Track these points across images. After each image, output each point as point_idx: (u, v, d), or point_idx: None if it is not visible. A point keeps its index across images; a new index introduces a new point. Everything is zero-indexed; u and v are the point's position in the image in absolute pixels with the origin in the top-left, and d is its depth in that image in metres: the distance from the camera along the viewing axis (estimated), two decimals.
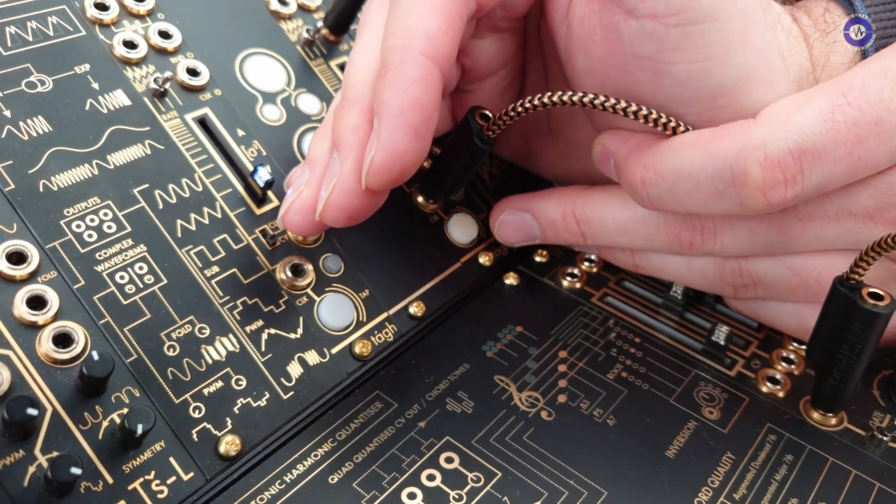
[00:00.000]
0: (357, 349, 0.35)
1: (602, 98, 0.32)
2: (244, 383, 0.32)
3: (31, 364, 0.28)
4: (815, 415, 0.34)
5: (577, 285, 0.41)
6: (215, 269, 0.33)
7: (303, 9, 0.43)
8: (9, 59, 0.33)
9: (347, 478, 0.30)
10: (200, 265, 0.33)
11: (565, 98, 0.33)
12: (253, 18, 0.41)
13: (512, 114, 0.34)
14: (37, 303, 0.29)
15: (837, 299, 0.31)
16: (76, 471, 0.25)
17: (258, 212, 0.36)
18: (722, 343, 0.36)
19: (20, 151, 0.31)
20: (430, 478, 0.30)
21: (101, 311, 0.30)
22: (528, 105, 0.33)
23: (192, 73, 0.37)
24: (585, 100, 0.32)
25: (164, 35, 0.37)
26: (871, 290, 0.30)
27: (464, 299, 0.40)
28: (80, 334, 0.29)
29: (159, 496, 0.28)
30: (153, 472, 0.29)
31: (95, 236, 0.31)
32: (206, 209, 0.34)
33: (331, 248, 0.37)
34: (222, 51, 0.39)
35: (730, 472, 0.31)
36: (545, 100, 0.33)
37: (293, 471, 0.30)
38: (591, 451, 0.32)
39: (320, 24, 0.42)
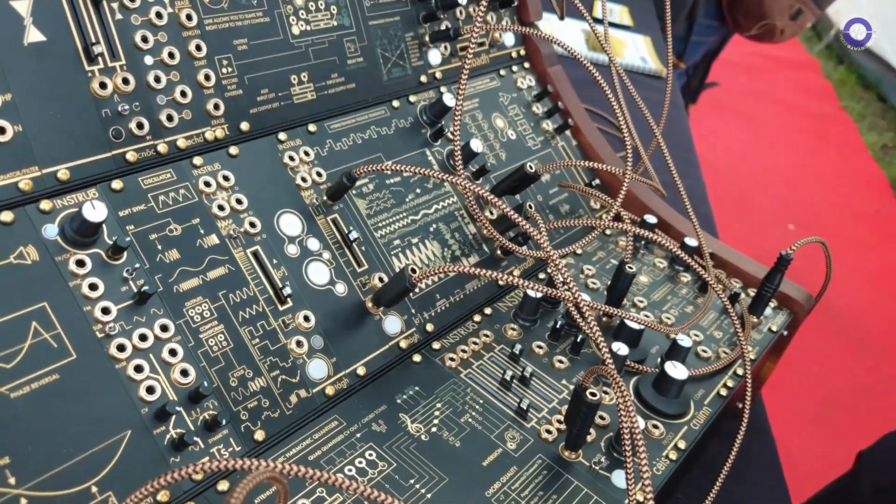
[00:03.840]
0: (327, 391, 0.64)
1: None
2: (268, 403, 0.60)
3: (170, 387, 0.56)
4: (566, 453, 0.65)
5: (454, 365, 0.71)
6: (270, 361, 0.62)
7: (315, 183, 0.72)
8: (158, 215, 0.61)
9: (318, 459, 0.59)
10: (256, 340, 0.62)
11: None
12: (286, 189, 0.70)
13: (436, 272, 0.64)
14: (170, 354, 0.57)
15: (576, 395, 0.62)
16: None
17: (281, 308, 0.65)
18: (525, 409, 0.67)
19: (164, 267, 0.60)
20: (360, 463, 0.59)
21: (202, 359, 0.58)
22: (448, 270, 0.64)
23: (252, 224, 0.66)
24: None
25: (238, 201, 0.66)
26: (590, 390, 0.61)
27: (389, 366, 0.69)
28: (192, 371, 0.57)
29: (226, 451, 0.56)
30: (230, 441, 0.57)
31: (199, 319, 0.60)
32: (253, 305, 0.63)
33: (316, 332, 0.66)
34: (268, 210, 0.68)
35: (513, 478, 0.61)
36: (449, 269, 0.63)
37: (299, 445, 0.59)
38: (444, 457, 0.62)
39: (325, 196, 0.71)
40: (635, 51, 1.84)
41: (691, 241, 0.89)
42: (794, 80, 4.94)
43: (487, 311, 0.78)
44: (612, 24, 1.94)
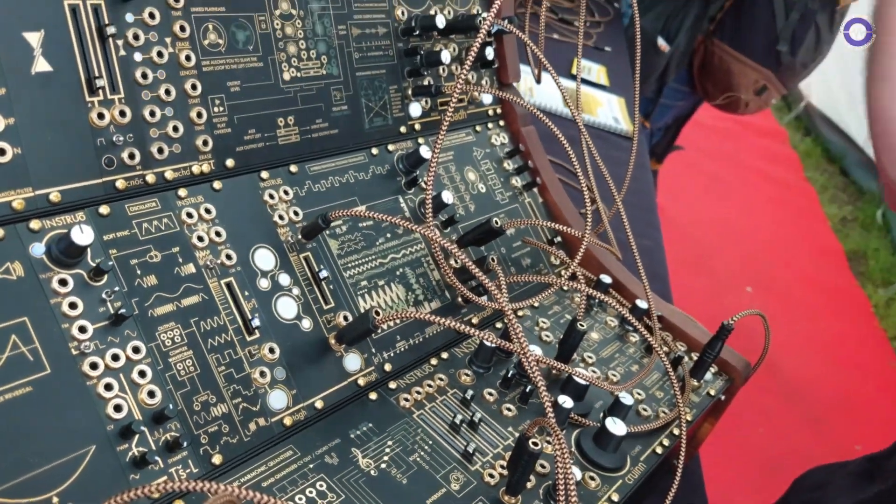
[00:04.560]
0: (285, 422, 0.67)
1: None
2: (227, 428, 0.64)
3: (136, 406, 0.59)
4: (506, 497, 0.69)
5: (408, 405, 0.74)
6: (233, 388, 0.65)
7: (291, 221, 0.76)
8: (140, 242, 0.64)
9: (271, 486, 0.62)
10: (222, 368, 0.65)
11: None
12: (263, 225, 0.73)
13: (398, 316, 0.68)
14: (139, 375, 0.60)
15: (519, 443, 0.66)
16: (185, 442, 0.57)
17: (248, 338, 0.68)
18: (471, 452, 0.70)
19: (141, 291, 0.63)
20: (311, 493, 0.63)
21: (169, 382, 0.61)
22: (410, 315, 0.67)
23: (228, 257, 0.69)
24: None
25: (217, 234, 0.69)
26: (533, 440, 0.65)
27: (346, 402, 0.73)
28: (158, 393, 0.60)
29: (184, 472, 0.59)
30: (188, 462, 0.60)
31: (170, 344, 0.63)
32: (222, 334, 0.66)
33: (279, 363, 0.69)
34: (245, 245, 0.71)
35: None
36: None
37: (254, 472, 0.62)
38: (391, 493, 0.65)
39: (299, 234, 0.75)
40: (609, 110, 1.92)
41: (642, 304, 0.94)
42: (762, 148, 5.11)
43: (444, 355, 0.82)
44: (589, 83, 2.02)
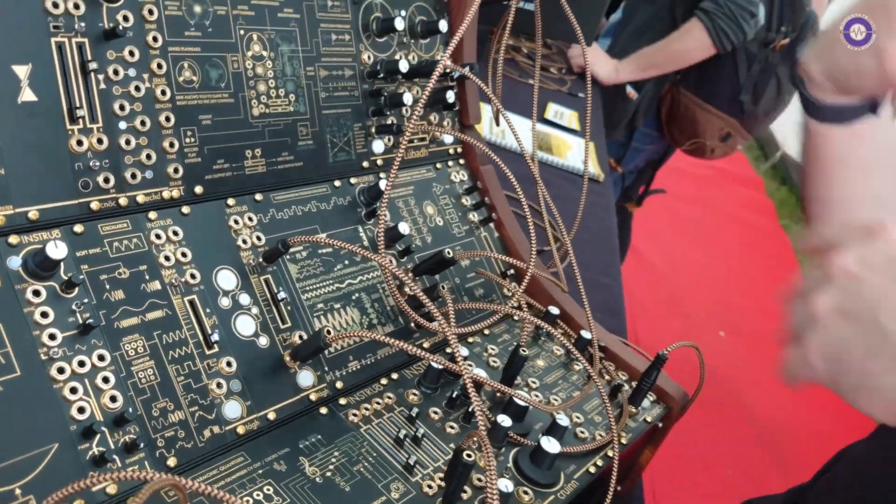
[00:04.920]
0: (238, 431, 0.72)
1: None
2: (183, 434, 0.69)
3: (98, 409, 0.64)
4: None
5: (356, 420, 0.80)
6: (191, 397, 0.71)
7: (254, 246, 0.82)
8: (110, 259, 0.70)
9: (220, 488, 0.67)
10: (181, 378, 0.70)
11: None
12: (227, 248, 0.79)
13: (350, 335, 0.74)
14: (103, 381, 0.65)
15: (455, 455, 0.71)
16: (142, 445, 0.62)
17: (207, 352, 0.73)
18: (412, 464, 0.76)
19: (109, 304, 0.68)
20: (258, 496, 0.68)
21: (130, 388, 0.67)
22: (361, 335, 0.73)
23: (192, 276, 0.75)
24: None
25: (183, 255, 0.75)
26: (467, 452, 0.70)
27: (297, 415, 0.78)
28: (120, 398, 0.65)
29: (140, 473, 0.64)
30: (145, 464, 0.65)
31: (133, 354, 0.68)
32: (183, 347, 0.72)
33: (236, 376, 0.75)
34: (208, 265, 0.77)
35: None
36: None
37: (206, 475, 0.67)
38: (333, 499, 0.70)
39: (261, 258, 0.81)
40: (579, 154, 2.00)
41: (587, 334, 1.00)
42: (739, 195, 5.23)
43: (395, 375, 0.88)
44: (560, 128, 2.11)
